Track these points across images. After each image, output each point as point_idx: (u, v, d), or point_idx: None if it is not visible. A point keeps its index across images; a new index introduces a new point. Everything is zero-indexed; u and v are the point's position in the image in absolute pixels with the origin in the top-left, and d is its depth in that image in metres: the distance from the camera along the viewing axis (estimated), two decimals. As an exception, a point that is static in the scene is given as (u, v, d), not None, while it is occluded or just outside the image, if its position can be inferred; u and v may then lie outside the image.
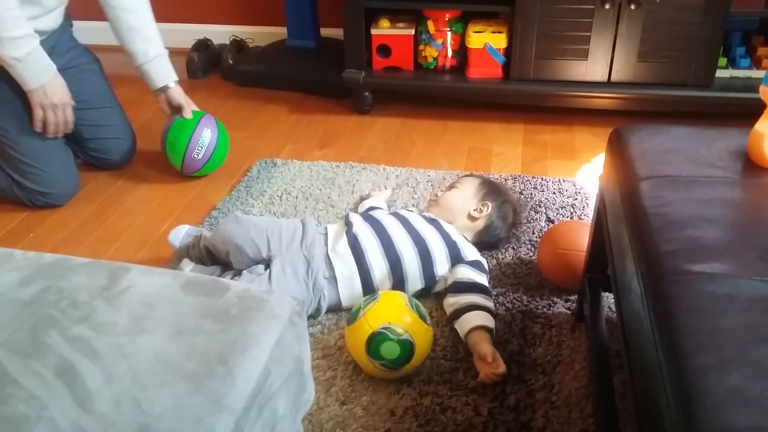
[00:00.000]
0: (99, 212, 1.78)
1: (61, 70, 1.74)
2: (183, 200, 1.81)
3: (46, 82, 1.66)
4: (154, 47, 1.83)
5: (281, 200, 1.77)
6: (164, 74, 1.87)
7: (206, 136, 1.83)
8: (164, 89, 1.87)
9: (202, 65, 2.62)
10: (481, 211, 1.48)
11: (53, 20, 1.77)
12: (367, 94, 2.24)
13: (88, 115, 1.86)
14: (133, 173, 1.96)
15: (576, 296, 1.36)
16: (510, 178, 1.82)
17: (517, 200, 1.61)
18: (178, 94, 1.88)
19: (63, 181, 1.81)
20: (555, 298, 1.39)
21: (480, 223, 1.49)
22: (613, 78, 2.03)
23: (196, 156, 1.82)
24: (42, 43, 1.69)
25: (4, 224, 1.74)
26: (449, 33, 2.18)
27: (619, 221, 0.98)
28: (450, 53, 2.21)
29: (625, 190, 0.98)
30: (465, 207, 1.49)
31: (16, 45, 1.61)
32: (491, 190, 1.53)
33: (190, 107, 1.89)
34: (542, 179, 1.81)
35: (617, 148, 1.10)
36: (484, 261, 1.43)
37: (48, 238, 1.68)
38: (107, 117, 1.92)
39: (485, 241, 1.50)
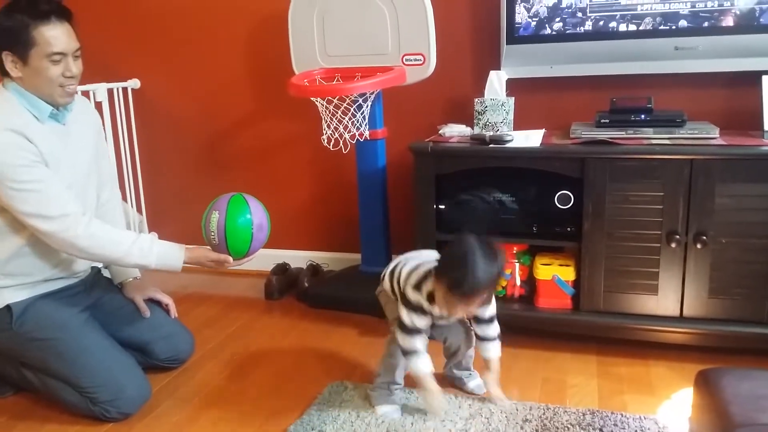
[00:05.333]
0: (172, 433, 1.80)
1: (98, 304, 2.01)
2: (255, 422, 1.81)
3: (185, 258, 1.87)
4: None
5: (353, 425, 1.75)
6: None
7: (213, 220, 1.83)
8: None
9: (279, 287, 2.77)
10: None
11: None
12: (437, 319, 2.29)
13: (143, 323, 2.06)
14: (206, 393, 1.99)
15: None
16: (588, 412, 1.76)
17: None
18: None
19: (127, 385, 1.84)
20: None
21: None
22: (685, 313, 2.04)
23: (215, 241, 1.85)
24: (79, 285, 1.97)
25: (82, 440, 1.77)
26: (517, 264, 2.27)
27: (719, 471, 0.94)
28: (518, 282, 2.29)
29: (722, 437, 0.96)
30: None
31: (138, 258, 1.82)
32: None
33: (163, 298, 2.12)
34: (622, 416, 1.74)
35: (706, 391, 1.09)
36: None
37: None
38: (159, 317, 2.10)
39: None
